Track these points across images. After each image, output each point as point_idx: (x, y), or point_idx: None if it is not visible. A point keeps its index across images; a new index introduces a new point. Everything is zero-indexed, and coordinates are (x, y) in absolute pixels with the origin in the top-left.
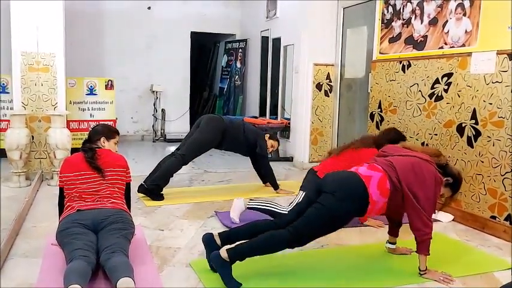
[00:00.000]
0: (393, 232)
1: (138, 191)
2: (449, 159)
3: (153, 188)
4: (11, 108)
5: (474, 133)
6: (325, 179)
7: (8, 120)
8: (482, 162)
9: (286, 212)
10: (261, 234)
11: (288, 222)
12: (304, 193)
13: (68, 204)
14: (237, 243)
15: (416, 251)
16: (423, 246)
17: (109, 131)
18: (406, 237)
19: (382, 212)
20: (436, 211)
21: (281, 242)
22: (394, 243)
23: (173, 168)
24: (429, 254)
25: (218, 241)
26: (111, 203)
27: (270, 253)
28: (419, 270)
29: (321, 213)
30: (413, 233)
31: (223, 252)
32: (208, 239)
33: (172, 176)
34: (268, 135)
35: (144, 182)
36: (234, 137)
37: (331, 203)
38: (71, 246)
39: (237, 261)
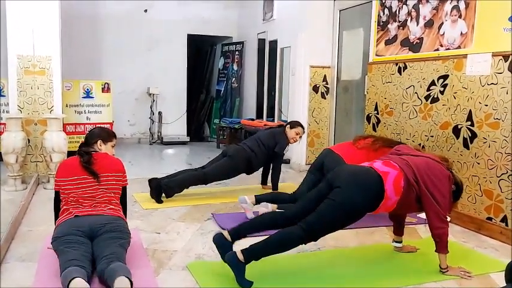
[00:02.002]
0: (398, 232)
1: (150, 183)
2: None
3: (165, 189)
4: (7, 112)
5: (470, 135)
6: (339, 174)
7: (4, 124)
8: (478, 163)
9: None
10: (274, 234)
11: (297, 213)
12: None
13: (64, 207)
14: (251, 244)
15: (435, 251)
16: (442, 244)
17: (106, 134)
18: (406, 239)
19: (390, 210)
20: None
21: (295, 240)
22: (400, 242)
23: (192, 180)
24: (448, 252)
25: (228, 237)
26: (109, 209)
27: (284, 251)
28: (441, 268)
29: (334, 209)
30: (432, 232)
31: (239, 253)
32: (219, 239)
33: (187, 188)
34: (288, 125)
35: (161, 178)
36: (259, 157)
37: (345, 198)
38: (66, 256)
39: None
